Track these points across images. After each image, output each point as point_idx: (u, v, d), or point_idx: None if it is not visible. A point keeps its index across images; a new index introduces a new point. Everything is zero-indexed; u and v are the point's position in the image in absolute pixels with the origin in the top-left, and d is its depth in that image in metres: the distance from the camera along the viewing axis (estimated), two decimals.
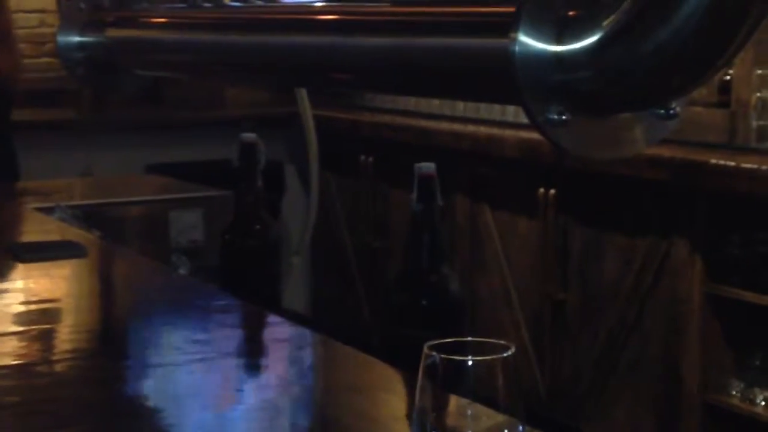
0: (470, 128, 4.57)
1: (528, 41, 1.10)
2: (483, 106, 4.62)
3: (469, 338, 1.02)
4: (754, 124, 3.58)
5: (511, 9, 1.11)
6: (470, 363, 0.98)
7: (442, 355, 0.98)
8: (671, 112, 1.13)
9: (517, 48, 1.10)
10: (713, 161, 3.43)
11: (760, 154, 3.47)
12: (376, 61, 1.36)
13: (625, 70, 1.08)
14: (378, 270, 5.07)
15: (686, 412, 3.56)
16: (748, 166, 3.33)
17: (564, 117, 1.10)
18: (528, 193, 4.13)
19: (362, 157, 5.13)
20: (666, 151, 3.52)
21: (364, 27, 1.39)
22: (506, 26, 1.10)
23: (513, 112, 4.47)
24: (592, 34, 1.09)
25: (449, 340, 1.00)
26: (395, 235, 4.88)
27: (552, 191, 4.03)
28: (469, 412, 0.98)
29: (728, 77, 3.61)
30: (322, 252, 5.41)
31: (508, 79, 1.10)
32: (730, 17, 1.03)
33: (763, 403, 3.41)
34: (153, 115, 5.56)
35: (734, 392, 3.48)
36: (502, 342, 1.00)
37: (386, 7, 1.41)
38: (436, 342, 0.99)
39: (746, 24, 1.04)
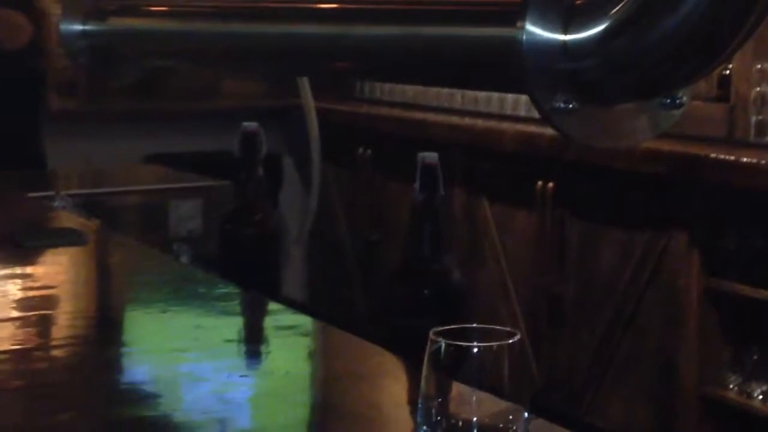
0: (468, 121, 4.57)
1: (535, 30, 1.10)
2: (482, 98, 4.62)
3: (474, 325, 1.01)
4: (753, 118, 3.59)
5: None
6: (476, 350, 0.98)
7: (448, 341, 0.98)
8: (677, 101, 1.14)
9: (524, 37, 1.10)
10: (712, 155, 3.44)
11: (758, 149, 3.48)
12: (384, 49, 1.36)
13: (631, 59, 1.09)
14: (375, 262, 5.07)
15: (683, 405, 3.57)
16: (747, 160, 3.34)
17: (570, 105, 1.10)
18: (526, 186, 4.13)
19: (360, 150, 5.13)
20: (664, 145, 3.52)
21: (372, 16, 1.40)
22: (514, 15, 1.11)
23: (511, 105, 4.47)
24: (599, 23, 1.09)
25: (454, 326, 1.00)
26: (392, 228, 4.88)
27: (550, 184, 4.03)
28: (474, 398, 0.98)
29: (727, 71, 3.61)
30: (319, 244, 5.41)
31: (516, 67, 1.10)
32: (737, 7, 1.04)
33: (760, 396, 3.41)
34: (150, 106, 5.55)
35: (731, 386, 3.48)
36: (508, 329, 1.00)
37: None
38: (441, 328, 0.99)
39: (752, 14, 1.04)
